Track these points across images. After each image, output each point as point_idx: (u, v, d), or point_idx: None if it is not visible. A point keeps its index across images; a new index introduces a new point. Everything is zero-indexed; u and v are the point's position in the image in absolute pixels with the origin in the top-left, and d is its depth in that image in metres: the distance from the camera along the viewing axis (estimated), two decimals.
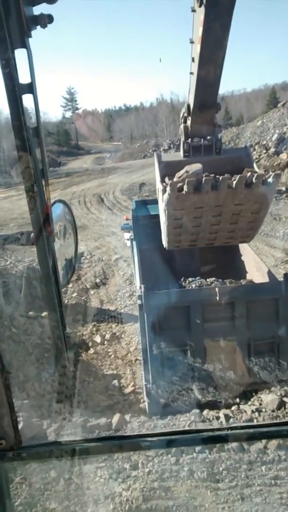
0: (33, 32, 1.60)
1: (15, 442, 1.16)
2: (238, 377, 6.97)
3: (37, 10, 1.54)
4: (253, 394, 6.80)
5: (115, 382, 8.42)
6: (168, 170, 7.02)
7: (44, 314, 10.04)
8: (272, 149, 26.52)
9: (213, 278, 8.68)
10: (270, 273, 7.92)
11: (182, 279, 9.09)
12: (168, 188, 6.35)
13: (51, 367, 7.98)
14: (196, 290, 7.76)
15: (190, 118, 6.76)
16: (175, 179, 6.45)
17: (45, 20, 1.51)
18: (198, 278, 8.95)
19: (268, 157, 26.24)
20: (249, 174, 6.40)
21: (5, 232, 19.03)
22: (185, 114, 6.90)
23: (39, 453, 1.25)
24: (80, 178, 39.48)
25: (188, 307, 7.09)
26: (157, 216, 8.52)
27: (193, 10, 5.37)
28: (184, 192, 6.33)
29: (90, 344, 10.06)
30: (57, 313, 1.61)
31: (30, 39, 1.52)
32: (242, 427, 1.24)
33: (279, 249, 15.41)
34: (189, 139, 7.04)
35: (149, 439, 1.25)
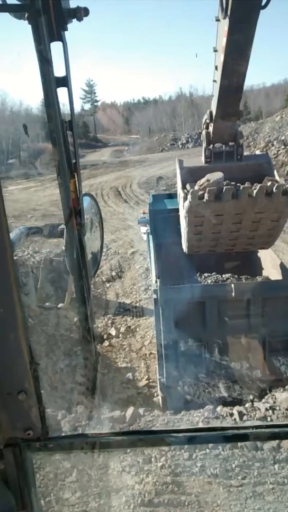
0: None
1: (42, 433, 1.18)
2: (255, 374, 6.96)
3: (73, 3, 1.55)
4: (267, 392, 6.77)
5: (129, 375, 8.46)
6: (190, 176, 7.13)
7: (60, 305, 10.10)
8: None
9: (229, 274, 8.65)
10: (286, 270, 7.87)
11: (198, 274, 9.07)
12: (189, 196, 6.46)
13: (66, 358, 8.06)
14: (212, 286, 7.75)
15: (212, 124, 6.88)
16: (196, 187, 6.55)
17: (82, 13, 1.50)
18: (214, 273, 8.93)
19: (286, 153, 25.99)
20: (269, 183, 6.45)
21: (23, 223, 19.18)
22: (207, 121, 7.01)
23: (64, 445, 1.27)
24: (98, 171, 39.51)
25: (204, 303, 7.09)
26: (174, 211, 8.52)
27: (217, 20, 5.48)
28: (205, 200, 6.43)
29: (105, 336, 10.11)
30: (86, 306, 1.62)
31: (66, 32, 1.52)
32: (267, 426, 1.24)
33: None
34: (211, 145, 7.14)
35: (174, 434, 1.26)
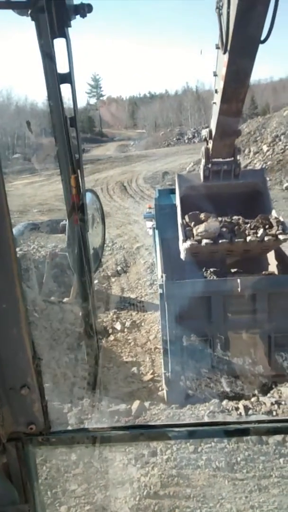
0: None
1: (45, 427, 1.19)
2: (259, 369, 6.96)
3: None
4: (273, 386, 6.78)
5: (134, 369, 8.49)
6: (188, 191, 8.17)
7: (65, 300, 10.15)
8: None
9: (235, 269, 8.62)
10: None
11: (204, 269, 9.05)
12: (187, 244, 7.20)
13: (71, 352, 8.09)
14: (217, 281, 7.74)
15: (211, 142, 7.35)
16: (194, 237, 7.29)
17: (85, 9, 1.50)
18: (219, 268, 8.90)
19: None
20: (261, 231, 7.14)
21: (28, 218, 19.23)
22: (207, 138, 7.51)
23: (67, 439, 1.28)
24: (103, 166, 39.51)
25: (209, 298, 7.09)
26: None
27: (217, 48, 5.59)
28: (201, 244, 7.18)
29: (110, 331, 10.14)
30: (89, 302, 1.63)
31: (69, 28, 1.51)
32: (269, 421, 1.25)
33: None
34: (210, 164, 7.77)
35: (176, 429, 1.26)
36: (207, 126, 7.56)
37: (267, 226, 7.28)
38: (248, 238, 7.09)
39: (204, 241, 7.10)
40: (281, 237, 7.08)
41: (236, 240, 7.13)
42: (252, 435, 1.21)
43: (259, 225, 7.28)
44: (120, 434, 1.26)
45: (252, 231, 7.20)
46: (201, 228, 7.24)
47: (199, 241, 7.14)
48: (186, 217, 7.63)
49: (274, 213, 7.70)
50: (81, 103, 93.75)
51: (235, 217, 7.58)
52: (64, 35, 1.39)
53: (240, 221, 7.40)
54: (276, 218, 7.44)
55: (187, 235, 7.38)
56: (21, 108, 62.74)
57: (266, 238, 7.06)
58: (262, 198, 8.40)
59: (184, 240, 7.29)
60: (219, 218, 7.44)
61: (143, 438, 1.25)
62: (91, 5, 1.47)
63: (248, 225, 7.30)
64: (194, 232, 7.30)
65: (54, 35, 1.36)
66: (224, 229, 7.24)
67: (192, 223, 7.53)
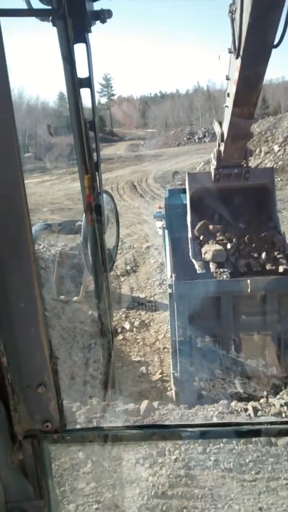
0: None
1: (60, 425, 1.21)
2: (269, 370, 6.94)
3: (97, 5, 1.57)
4: (282, 388, 6.76)
5: (143, 369, 8.51)
6: (198, 192, 8.41)
7: (75, 298, 10.19)
8: None
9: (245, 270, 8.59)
10: None
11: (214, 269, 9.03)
12: (196, 264, 7.71)
13: (80, 350, 8.13)
14: (227, 282, 7.72)
15: (223, 144, 7.45)
16: (202, 257, 7.81)
17: (105, 15, 1.53)
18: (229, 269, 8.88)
19: None
20: (263, 256, 7.62)
21: (39, 216, 19.31)
22: (219, 141, 7.62)
23: (82, 437, 1.30)
24: (114, 165, 39.51)
25: (219, 298, 7.08)
26: None
27: (230, 52, 5.59)
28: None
29: (119, 330, 10.17)
30: (105, 302, 1.66)
31: (90, 34, 1.55)
32: (282, 423, 1.25)
33: None
34: (221, 168, 7.92)
35: (189, 429, 1.27)
36: (219, 122, 7.58)
37: (271, 247, 7.85)
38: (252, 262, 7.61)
39: (211, 265, 7.62)
40: (280, 268, 7.43)
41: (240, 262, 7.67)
42: (263, 436, 1.22)
43: (263, 245, 7.82)
44: (133, 433, 1.27)
45: (256, 253, 7.74)
46: (208, 254, 7.73)
47: (207, 263, 7.69)
48: (195, 231, 8.17)
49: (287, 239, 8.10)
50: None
51: (241, 225, 8.15)
52: (85, 40, 1.42)
53: (246, 239, 7.85)
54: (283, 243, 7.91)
55: (195, 252, 7.91)
56: (32, 107, 62.95)
57: (267, 267, 7.47)
58: (269, 196, 8.55)
59: (193, 257, 7.81)
60: (226, 235, 8.00)
61: (156, 438, 1.27)
62: (111, 11, 1.49)
63: (254, 244, 7.82)
64: (202, 251, 7.82)
65: (74, 40, 1.38)
66: (230, 252, 7.80)
67: (201, 237, 8.09)
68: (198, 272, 7.69)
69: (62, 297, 10.49)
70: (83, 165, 1.46)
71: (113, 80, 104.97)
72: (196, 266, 7.73)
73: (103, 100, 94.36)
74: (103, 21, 1.54)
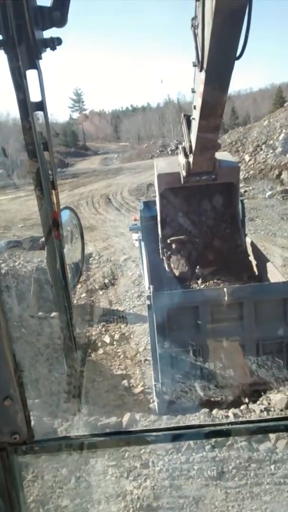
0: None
1: (28, 436, 1.22)
2: (248, 377, 6.99)
3: (47, 33, 1.65)
4: (262, 393, 6.81)
5: (125, 382, 8.47)
6: (167, 192, 8.94)
7: (53, 314, 10.11)
8: (279, 149, 26.40)
9: (223, 279, 8.69)
10: (278, 273, 7.93)
11: (190, 280, 9.10)
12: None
13: (61, 366, 8.05)
14: (204, 291, 7.79)
15: (191, 156, 7.58)
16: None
17: (55, 43, 1.61)
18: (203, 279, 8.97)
19: (275, 157, 26.14)
20: None
21: (14, 233, 19.18)
22: (188, 152, 7.76)
23: (50, 447, 1.31)
24: (88, 179, 39.58)
25: (197, 308, 7.12)
26: None
27: (195, 65, 5.67)
28: None
29: (99, 344, 10.11)
30: (67, 314, 1.68)
31: (40, 60, 1.62)
32: (242, 422, 1.29)
33: (287, 249, 15.37)
34: (190, 177, 8.12)
35: (155, 433, 1.29)
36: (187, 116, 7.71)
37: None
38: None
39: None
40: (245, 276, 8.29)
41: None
42: (232, 435, 1.26)
43: (227, 254, 8.58)
44: (101, 440, 1.29)
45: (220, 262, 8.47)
46: (175, 270, 8.46)
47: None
48: (163, 247, 8.83)
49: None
50: (64, 118, 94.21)
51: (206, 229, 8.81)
52: (36, 66, 1.51)
53: (210, 247, 8.55)
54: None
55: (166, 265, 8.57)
56: (2, 123, 62.61)
57: (232, 276, 8.13)
58: (234, 192, 9.11)
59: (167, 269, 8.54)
60: (191, 245, 8.65)
61: (123, 444, 1.29)
62: (61, 38, 1.58)
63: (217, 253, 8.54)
64: (170, 262, 8.55)
65: (26, 67, 1.47)
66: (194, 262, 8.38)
67: (168, 252, 8.79)
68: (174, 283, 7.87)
69: (40, 313, 10.41)
70: (39, 185, 1.51)
71: (84, 95, 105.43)
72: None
73: (75, 115, 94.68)
74: (53, 48, 1.62)
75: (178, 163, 8.40)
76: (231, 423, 1.25)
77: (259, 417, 6.09)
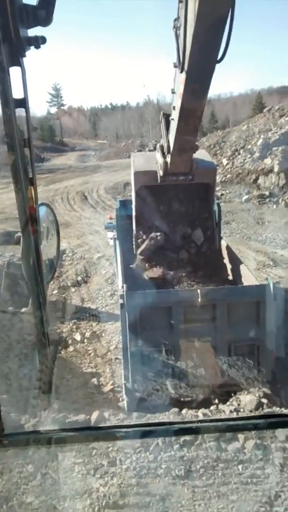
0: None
1: None
2: (218, 377, 7.04)
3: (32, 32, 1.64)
4: (232, 394, 6.87)
5: (94, 380, 8.42)
6: (143, 189, 8.95)
7: (24, 309, 9.98)
8: (257, 154, 26.70)
9: (197, 280, 8.73)
10: (251, 276, 8.01)
11: (163, 280, 9.11)
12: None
13: (31, 362, 7.95)
14: (178, 292, 7.82)
15: (169, 156, 7.56)
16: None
17: (39, 41, 1.60)
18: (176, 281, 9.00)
19: (252, 162, 26.43)
20: None
21: None
22: (165, 152, 7.74)
23: (20, 441, 1.28)
24: (64, 175, 39.24)
25: (170, 308, 7.13)
26: None
27: (175, 66, 5.66)
28: None
29: (69, 342, 10.02)
30: (41, 310, 1.65)
31: (24, 58, 1.61)
32: (211, 420, 1.29)
33: (261, 252, 15.56)
34: (167, 176, 8.14)
35: (124, 430, 1.28)
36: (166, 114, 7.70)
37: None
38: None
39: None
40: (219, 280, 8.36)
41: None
42: (200, 433, 1.25)
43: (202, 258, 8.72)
44: (71, 435, 1.27)
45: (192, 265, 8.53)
46: (148, 272, 8.40)
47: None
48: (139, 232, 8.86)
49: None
50: (41, 112, 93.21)
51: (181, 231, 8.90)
52: (19, 64, 1.50)
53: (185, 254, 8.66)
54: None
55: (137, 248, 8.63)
56: None
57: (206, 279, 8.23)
58: (210, 193, 9.24)
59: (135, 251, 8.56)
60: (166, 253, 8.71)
61: (93, 439, 1.27)
62: (45, 37, 1.58)
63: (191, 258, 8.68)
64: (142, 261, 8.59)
65: (9, 64, 1.46)
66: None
67: (143, 238, 8.77)
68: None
69: (10, 308, 10.26)
70: (18, 181, 1.49)
71: (62, 90, 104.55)
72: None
73: (53, 110, 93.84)
74: (37, 47, 1.62)
75: (155, 161, 8.36)
76: (201, 421, 1.26)
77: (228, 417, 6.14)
